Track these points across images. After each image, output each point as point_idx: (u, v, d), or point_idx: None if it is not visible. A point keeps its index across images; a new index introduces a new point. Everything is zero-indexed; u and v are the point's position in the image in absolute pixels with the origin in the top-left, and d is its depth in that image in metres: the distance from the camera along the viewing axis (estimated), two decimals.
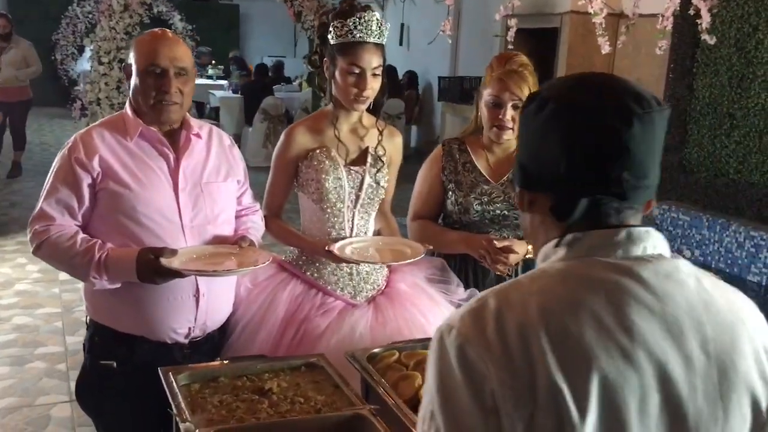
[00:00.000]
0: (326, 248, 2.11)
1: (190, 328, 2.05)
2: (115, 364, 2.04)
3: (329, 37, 2.13)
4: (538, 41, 6.48)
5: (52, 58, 13.40)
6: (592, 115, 0.94)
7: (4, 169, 8.27)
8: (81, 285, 4.93)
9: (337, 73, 2.14)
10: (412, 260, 2.10)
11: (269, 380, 1.66)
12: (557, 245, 0.98)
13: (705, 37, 3.70)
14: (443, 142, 2.47)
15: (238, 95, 9.97)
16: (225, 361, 1.74)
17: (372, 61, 2.11)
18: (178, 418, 1.44)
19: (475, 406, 0.86)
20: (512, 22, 4.53)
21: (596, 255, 0.95)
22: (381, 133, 2.27)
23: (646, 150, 0.95)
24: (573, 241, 0.97)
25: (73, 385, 3.55)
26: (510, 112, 2.26)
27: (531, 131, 1.02)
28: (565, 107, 0.97)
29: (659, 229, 4.22)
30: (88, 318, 2.14)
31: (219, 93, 10.40)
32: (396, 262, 2.16)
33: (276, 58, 12.61)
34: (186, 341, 2.06)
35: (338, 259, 2.11)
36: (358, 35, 2.09)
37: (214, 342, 2.14)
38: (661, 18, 3.63)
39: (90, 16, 13.16)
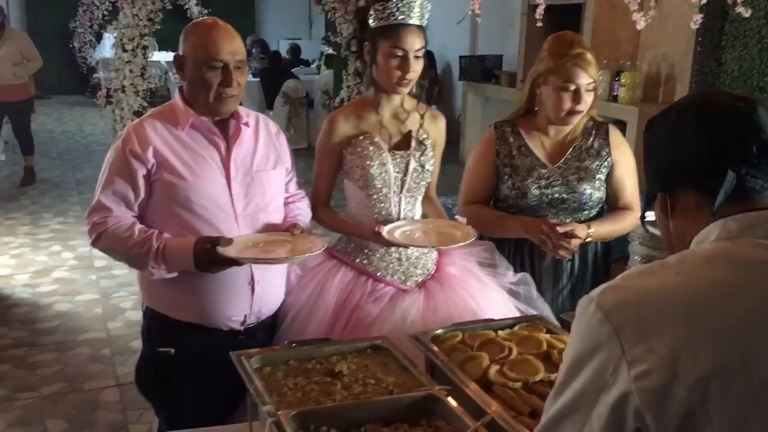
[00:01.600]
0: (375, 230, 2.12)
1: (245, 316, 2.08)
2: (173, 351, 2.09)
3: (370, 20, 2.13)
4: (562, 18, 6.42)
5: (70, 45, 13.46)
6: (719, 103, 1.05)
7: (14, 176, 7.55)
8: (117, 272, 5.04)
9: (379, 57, 2.13)
10: (463, 244, 2.10)
11: (338, 363, 1.69)
12: (708, 231, 1.01)
13: (740, 9, 3.65)
14: (495, 125, 2.46)
15: (258, 79, 9.97)
16: (293, 344, 1.76)
17: (415, 43, 2.10)
18: (258, 401, 1.47)
19: (595, 376, 0.91)
20: None
21: (746, 236, 0.97)
22: (422, 116, 2.26)
23: None
24: (723, 224, 1.00)
25: (119, 369, 3.65)
26: (585, 96, 2.26)
27: (660, 138, 1.10)
28: (692, 104, 1.07)
29: None
30: (144, 306, 2.18)
31: None
32: (446, 246, 2.16)
33: (292, 41, 12.58)
34: (241, 328, 2.10)
35: (387, 243, 2.12)
36: (400, 17, 2.08)
37: (267, 328, 2.18)
38: None
39: (106, 2, 13.19)
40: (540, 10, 4.49)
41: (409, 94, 2.23)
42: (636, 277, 0.97)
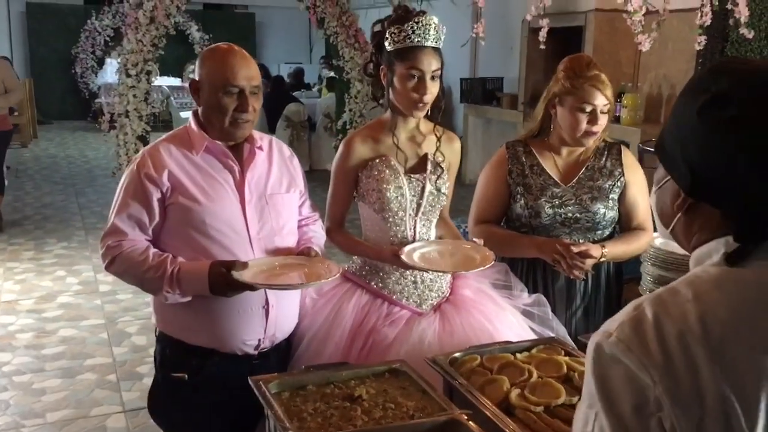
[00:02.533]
0: (395, 253, 2.09)
1: (259, 340, 2.07)
2: (186, 377, 2.07)
3: (386, 44, 2.13)
4: (563, 40, 6.48)
5: (72, 71, 13.56)
6: None
7: (18, 201, 7.31)
8: (122, 296, 5.01)
9: (395, 80, 2.13)
10: (484, 268, 2.07)
11: (357, 387, 1.67)
12: (718, 253, 0.96)
13: (743, 30, 3.69)
14: (506, 145, 2.47)
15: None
16: (311, 369, 1.75)
17: (431, 64, 2.10)
18: (279, 427, 1.46)
19: (637, 413, 0.88)
20: (544, 21, 4.52)
21: (752, 258, 0.93)
22: (439, 139, 2.26)
23: None
24: (726, 243, 0.95)
25: (125, 395, 3.63)
26: (600, 117, 2.28)
27: (712, 137, 0.93)
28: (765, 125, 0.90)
29: None
30: (157, 331, 2.17)
31: None
32: (466, 271, 2.14)
33: (294, 65, 12.66)
34: (255, 352, 2.08)
35: (406, 266, 2.11)
36: (416, 40, 2.08)
37: (282, 352, 2.16)
38: (699, 13, 3.62)
39: (108, 29, 13.32)
40: (543, 33, 4.53)
41: (426, 116, 2.23)
42: (649, 307, 0.92)
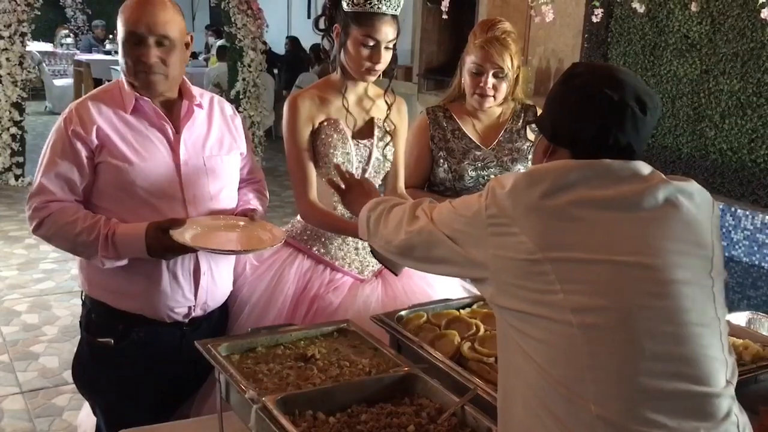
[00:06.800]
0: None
1: (190, 308, 1.99)
2: (112, 342, 1.97)
3: (343, 2, 2.05)
4: (456, 13, 6.57)
5: None
6: (620, 106, 1.26)
7: None
8: (6, 273, 4.67)
9: (349, 43, 2.06)
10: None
11: (308, 347, 1.65)
12: None
13: (635, 5, 3.90)
14: (427, 110, 2.49)
15: None
16: (260, 330, 1.71)
17: (388, 34, 2.05)
18: (238, 389, 1.42)
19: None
20: None
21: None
22: (390, 107, 2.22)
23: (648, 132, 1.30)
24: None
25: (20, 376, 3.41)
26: (491, 80, 2.32)
27: (568, 101, 1.31)
28: (602, 96, 1.27)
29: None
30: (83, 294, 2.06)
31: None
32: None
33: None
34: (186, 320, 2.01)
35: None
36: (376, 6, 2.01)
37: (215, 321, 2.09)
38: None
39: None
40: (446, 3, 4.60)
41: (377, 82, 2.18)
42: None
